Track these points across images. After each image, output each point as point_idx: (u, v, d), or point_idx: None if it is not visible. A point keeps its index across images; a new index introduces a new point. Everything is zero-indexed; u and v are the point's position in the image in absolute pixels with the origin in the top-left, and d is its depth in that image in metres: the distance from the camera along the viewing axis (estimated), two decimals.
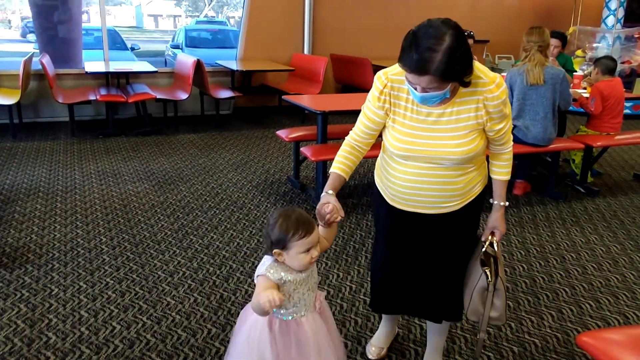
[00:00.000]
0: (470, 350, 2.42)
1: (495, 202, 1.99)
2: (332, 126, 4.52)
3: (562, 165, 5.08)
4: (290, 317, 1.73)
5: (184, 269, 3.10)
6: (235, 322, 2.58)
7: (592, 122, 4.70)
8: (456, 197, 1.88)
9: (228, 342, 2.44)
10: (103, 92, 6.11)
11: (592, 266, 3.24)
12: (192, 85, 6.29)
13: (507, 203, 2.00)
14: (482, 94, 1.73)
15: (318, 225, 1.74)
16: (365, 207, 4.17)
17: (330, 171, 1.89)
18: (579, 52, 8.43)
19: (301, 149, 4.17)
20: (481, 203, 1.98)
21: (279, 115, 7.47)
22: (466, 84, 1.70)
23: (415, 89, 1.67)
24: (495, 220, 2.00)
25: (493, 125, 1.80)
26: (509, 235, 3.62)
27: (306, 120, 7.07)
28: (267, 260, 1.72)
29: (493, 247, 1.98)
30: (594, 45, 8.56)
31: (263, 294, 1.54)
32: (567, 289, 2.96)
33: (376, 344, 2.37)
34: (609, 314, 2.73)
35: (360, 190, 4.59)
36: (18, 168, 4.88)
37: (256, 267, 3.07)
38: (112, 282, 2.94)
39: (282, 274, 1.67)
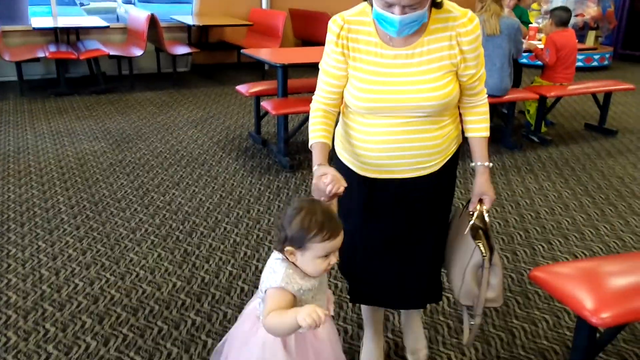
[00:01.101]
0: (455, 339, 2.21)
1: (479, 164, 1.72)
2: (293, 80, 4.51)
3: (518, 117, 5.21)
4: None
5: (146, 226, 3.08)
6: (200, 275, 2.63)
7: (546, 73, 4.81)
8: (435, 155, 1.66)
9: (194, 294, 2.47)
10: (52, 49, 5.86)
11: (545, 211, 3.37)
12: (146, 41, 6.11)
13: (491, 164, 1.74)
14: (454, 29, 1.52)
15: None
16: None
17: (311, 144, 1.62)
18: (534, 6, 8.52)
19: (262, 103, 4.15)
20: (456, 164, 1.78)
21: (238, 72, 7.35)
22: (438, 5, 1.52)
23: (393, 12, 1.43)
24: (482, 185, 1.72)
25: (467, 68, 1.58)
26: (466, 184, 3.72)
27: (266, 76, 6.99)
28: (278, 267, 1.43)
29: (483, 218, 1.72)
30: None
31: (303, 312, 1.25)
32: (521, 233, 3.09)
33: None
34: (559, 254, 2.87)
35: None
36: None
37: (219, 222, 3.14)
38: (72, 240, 2.90)
39: (301, 282, 1.40)
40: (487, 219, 1.71)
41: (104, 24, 6.40)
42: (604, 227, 3.18)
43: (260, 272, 2.60)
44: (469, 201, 1.77)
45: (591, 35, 8.41)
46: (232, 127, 5.04)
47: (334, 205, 1.53)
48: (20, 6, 6.85)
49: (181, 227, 3.08)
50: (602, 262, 2.08)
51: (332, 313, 1.58)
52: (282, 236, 1.40)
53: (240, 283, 2.55)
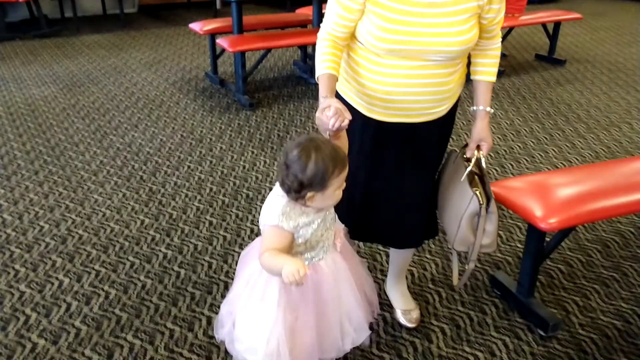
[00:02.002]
0: (443, 276, 2.25)
1: (481, 108, 1.67)
2: (247, 17, 4.45)
3: None
4: (306, 263, 1.44)
5: (107, 168, 3.08)
6: (168, 212, 2.67)
7: None
8: (445, 100, 1.62)
9: (163, 230, 2.53)
10: None
11: (498, 137, 3.53)
12: None
13: (492, 110, 1.71)
14: None
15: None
16: (286, 98, 4.23)
17: (318, 74, 1.54)
18: None
19: (217, 41, 4.11)
20: (457, 108, 1.74)
21: (189, 11, 7.20)
22: None
23: None
24: (482, 130, 1.67)
25: (491, 10, 1.51)
26: (456, 130, 3.82)
27: (218, 14, 6.86)
28: (275, 203, 1.40)
29: (480, 164, 1.69)
30: None
31: (288, 266, 1.25)
32: None
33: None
34: (511, 175, 3.04)
35: (280, 82, 4.62)
36: None
37: (182, 161, 3.16)
38: (32, 185, 2.88)
39: (298, 219, 1.39)
40: (484, 165, 1.69)
41: None
42: (553, 150, 3.37)
43: (227, 205, 2.71)
44: (464, 146, 1.74)
45: None
46: (187, 67, 4.98)
47: (343, 139, 1.46)
48: None
49: (144, 167, 3.10)
50: (549, 175, 2.24)
51: (339, 247, 1.54)
52: (294, 183, 1.32)
53: (208, 217, 2.62)
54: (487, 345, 1.88)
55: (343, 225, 1.60)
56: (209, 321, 1.95)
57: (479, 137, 1.67)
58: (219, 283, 2.17)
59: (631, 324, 2.00)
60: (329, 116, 1.34)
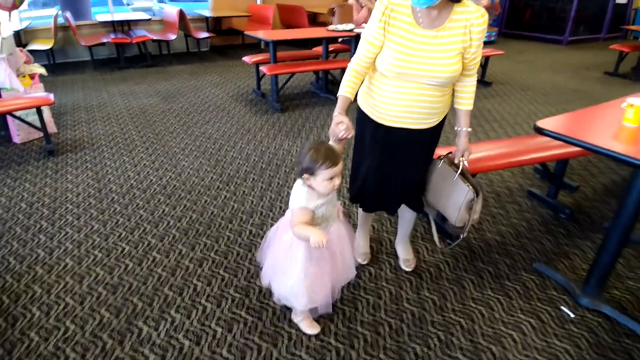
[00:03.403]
0: (427, 234, 2.25)
1: (464, 129, 1.65)
2: (280, 52, 4.66)
3: None
4: (323, 228, 1.48)
5: (190, 147, 3.36)
6: (227, 172, 2.93)
7: None
8: (435, 115, 1.58)
9: (224, 182, 2.83)
10: (112, 36, 5.88)
11: None
12: (178, 29, 6.14)
13: (470, 129, 1.68)
14: (470, 20, 1.44)
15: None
16: (304, 105, 4.39)
17: (339, 94, 1.52)
18: None
19: (260, 68, 4.31)
20: (443, 124, 1.68)
21: (242, 50, 7.34)
22: (458, 0, 1.43)
23: None
24: (466, 144, 1.67)
25: (470, 52, 1.49)
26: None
27: (261, 51, 7.03)
28: (300, 192, 1.42)
29: (465, 167, 1.68)
30: None
31: (315, 235, 1.31)
32: None
33: (361, 251, 2.07)
34: None
35: (300, 95, 4.78)
36: (61, 94, 4.79)
37: (236, 142, 3.45)
38: (145, 156, 3.19)
39: (317, 200, 1.41)
40: (467, 166, 1.68)
41: (148, 17, 6.37)
42: (477, 138, 3.57)
43: (264, 169, 3.01)
44: (446, 155, 1.73)
45: None
46: (241, 86, 5.16)
47: (340, 146, 1.47)
48: (85, 6, 6.72)
49: (213, 146, 3.36)
50: (477, 145, 2.49)
51: (341, 218, 1.55)
52: (299, 168, 1.39)
53: (252, 175, 2.89)
54: (440, 291, 2.00)
55: (339, 204, 1.56)
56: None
57: (463, 148, 1.67)
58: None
59: (505, 238, 2.27)
60: (341, 129, 1.40)
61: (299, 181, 1.44)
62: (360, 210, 1.97)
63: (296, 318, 1.69)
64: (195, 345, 1.61)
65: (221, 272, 1.99)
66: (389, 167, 1.69)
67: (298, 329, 1.66)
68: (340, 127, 1.41)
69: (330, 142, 1.45)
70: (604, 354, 1.58)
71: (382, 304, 1.80)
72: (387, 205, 1.83)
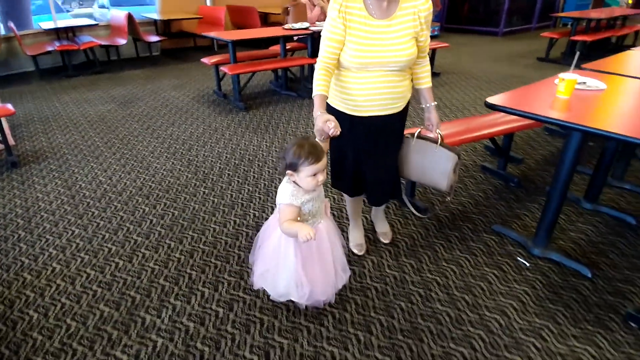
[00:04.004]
0: (399, 210, 2.42)
1: (432, 104, 1.77)
2: (238, 53, 4.69)
3: None
4: (312, 226, 1.51)
5: (159, 149, 3.40)
6: (200, 170, 3.01)
7: None
8: (400, 99, 1.67)
9: (199, 179, 2.90)
10: (58, 44, 5.66)
11: None
12: (127, 33, 6.01)
13: (436, 103, 1.80)
14: (417, 6, 1.56)
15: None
16: (266, 103, 4.51)
17: (314, 94, 1.54)
18: None
19: (220, 68, 4.36)
20: (408, 108, 1.77)
21: (195, 53, 7.30)
22: None
23: None
24: (436, 117, 1.78)
25: (422, 35, 1.61)
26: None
27: (214, 53, 7.04)
28: (286, 189, 1.44)
29: (442, 137, 1.79)
30: None
31: (302, 230, 1.32)
32: None
33: (356, 242, 2.12)
34: None
35: (262, 94, 4.89)
36: (13, 106, 4.59)
37: (206, 142, 3.53)
38: (114, 161, 3.19)
39: (303, 197, 1.43)
40: (443, 136, 1.80)
41: (94, 22, 6.17)
42: None
43: (237, 165, 3.11)
44: (418, 131, 1.83)
45: None
46: (200, 88, 5.17)
47: (326, 144, 1.48)
48: (25, 15, 6.38)
49: (182, 147, 3.42)
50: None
51: (329, 213, 1.59)
52: (283, 164, 1.41)
53: (227, 171, 2.99)
54: (416, 256, 2.20)
55: (327, 200, 1.61)
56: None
57: (436, 121, 1.78)
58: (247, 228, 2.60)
59: (466, 207, 2.55)
60: (330, 127, 1.39)
61: (285, 178, 1.46)
62: (348, 200, 2.05)
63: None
64: (200, 326, 1.72)
65: (213, 260, 2.10)
66: (368, 157, 1.75)
67: (293, 302, 1.80)
68: (329, 124, 1.40)
69: (317, 140, 1.44)
70: (555, 292, 1.87)
71: (367, 272, 1.99)
72: (370, 192, 1.89)
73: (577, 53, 2.41)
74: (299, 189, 1.42)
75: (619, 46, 7.10)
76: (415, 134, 1.84)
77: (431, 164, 1.81)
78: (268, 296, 1.78)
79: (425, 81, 1.77)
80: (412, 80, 1.75)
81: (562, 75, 1.95)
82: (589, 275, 1.94)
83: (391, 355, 1.57)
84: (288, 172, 1.41)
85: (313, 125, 1.49)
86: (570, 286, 1.90)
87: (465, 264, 2.05)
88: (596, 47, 6.66)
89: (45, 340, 1.66)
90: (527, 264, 2.04)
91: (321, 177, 1.41)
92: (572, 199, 2.57)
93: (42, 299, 1.86)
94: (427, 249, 2.16)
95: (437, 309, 1.78)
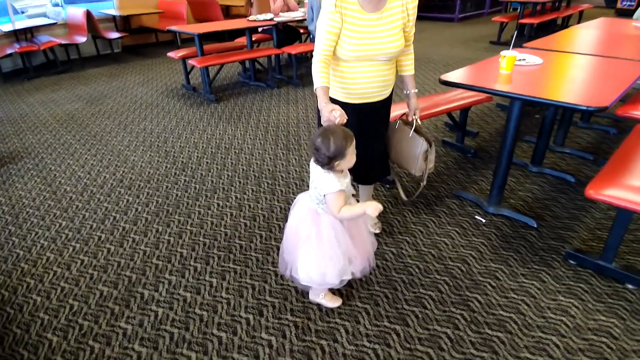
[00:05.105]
0: (379, 184, 2.62)
1: (413, 91, 1.88)
2: (205, 46, 4.75)
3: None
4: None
5: (134, 142, 3.46)
6: (177, 160, 3.09)
7: None
8: (389, 86, 1.80)
9: (176, 167, 3.01)
10: (17, 46, 5.50)
11: None
12: (87, 31, 5.91)
13: (417, 90, 1.88)
14: None
15: None
16: (236, 94, 4.62)
17: (317, 87, 1.61)
18: None
19: (188, 61, 4.41)
20: (392, 94, 1.88)
21: (157, 48, 7.26)
22: None
23: None
24: (415, 103, 1.89)
25: (408, 25, 1.72)
26: None
27: (179, 48, 6.98)
28: (329, 178, 1.44)
29: (418, 123, 1.90)
30: None
31: (369, 207, 1.39)
32: None
33: (372, 222, 2.22)
34: None
35: (231, 85, 4.96)
36: None
37: (181, 132, 3.63)
38: (89, 157, 3.24)
39: (344, 181, 1.47)
40: (420, 123, 1.90)
41: (52, 21, 6.01)
42: None
43: (214, 153, 3.22)
44: (401, 115, 1.95)
45: None
46: (168, 83, 5.19)
47: None
48: None
49: (157, 140, 3.50)
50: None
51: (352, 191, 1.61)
52: (325, 160, 1.40)
53: (205, 160, 3.11)
54: (388, 222, 2.34)
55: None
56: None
57: (415, 107, 1.90)
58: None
59: (430, 177, 2.80)
60: (336, 116, 1.47)
61: (317, 169, 1.45)
62: (359, 187, 2.15)
63: (316, 298, 1.76)
64: (197, 295, 1.88)
65: (201, 239, 2.25)
66: (363, 141, 1.78)
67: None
68: (335, 113, 1.46)
69: None
70: (507, 241, 2.16)
71: None
72: (365, 175, 1.96)
73: (515, 33, 2.72)
74: (338, 174, 1.44)
75: (565, 26, 7.63)
76: (399, 119, 1.97)
77: (406, 148, 1.93)
78: (278, 283, 1.92)
79: (408, 68, 1.87)
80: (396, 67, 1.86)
81: (503, 52, 2.22)
82: (535, 225, 2.24)
83: (370, 303, 1.79)
84: (336, 163, 1.41)
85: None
86: (519, 235, 2.20)
87: (431, 224, 2.31)
88: (544, 28, 7.14)
89: (52, 319, 1.78)
90: (484, 221, 2.32)
91: (354, 151, 1.45)
92: (520, 164, 2.88)
93: (42, 285, 1.97)
94: (397, 215, 2.40)
95: (407, 263, 2.03)
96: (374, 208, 1.38)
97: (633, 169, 1.81)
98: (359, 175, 1.92)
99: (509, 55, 2.21)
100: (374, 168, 1.98)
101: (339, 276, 1.58)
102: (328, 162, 1.41)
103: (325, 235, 1.52)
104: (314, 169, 1.48)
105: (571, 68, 2.33)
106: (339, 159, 1.40)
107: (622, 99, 2.95)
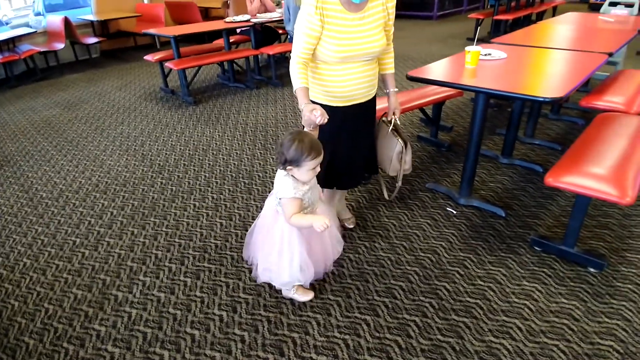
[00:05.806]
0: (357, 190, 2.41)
1: (393, 90, 1.86)
2: (182, 48, 4.76)
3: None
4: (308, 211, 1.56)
5: (111, 147, 3.45)
6: (155, 163, 3.10)
7: None
8: (373, 86, 1.78)
9: (155, 171, 3.01)
10: (0, 56, 5.39)
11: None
12: (65, 37, 5.84)
13: (397, 89, 1.89)
14: None
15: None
16: (215, 96, 4.62)
17: (297, 88, 1.59)
18: None
19: (165, 64, 4.40)
20: (376, 93, 1.87)
21: (136, 52, 7.21)
22: None
23: None
24: (395, 102, 1.87)
25: (388, 25, 1.71)
26: None
27: (158, 51, 6.94)
28: (286, 183, 1.45)
29: (396, 123, 1.90)
30: None
31: (317, 221, 1.38)
32: None
33: (346, 217, 2.27)
34: None
35: (210, 87, 4.97)
36: None
37: (159, 135, 3.63)
38: (65, 163, 3.22)
39: (302, 188, 1.46)
40: (398, 123, 1.89)
41: (32, 30, 5.93)
42: None
43: (191, 156, 3.23)
44: (382, 115, 1.93)
45: None
46: (146, 86, 5.17)
47: (316, 132, 1.54)
48: None
49: (134, 144, 3.49)
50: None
51: (323, 199, 1.65)
52: (282, 159, 1.42)
53: (183, 162, 3.12)
54: (362, 217, 2.54)
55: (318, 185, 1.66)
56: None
57: (394, 107, 1.87)
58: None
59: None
60: (317, 116, 1.46)
61: (280, 172, 1.47)
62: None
63: (288, 293, 1.78)
64: (171, 294, 1.89)
65: (176, 240, 2.27)
66: (352, 143, 1.81)
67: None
68: (315, 113, 1.45)
69: (307, 130, 1.50)
70: (477, 231, 2.22)
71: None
72: (354, 178, 1.97)
73: (478, 28, 2.79)
74: (298, 181, 1.44)
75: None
76: (381, 118, 1.96)
77: (384, 147, 1.95)
78: (252, 280, 1.96)
79: (389, 67, 1.86)
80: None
81: (468, 48, 2.28)
82: (503, 214, 2.30)
83: (342, 295, 1.83)
84: (288, 167, 1.42)
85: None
86: (488, 225, 2.25)
87: (404, 217, 2.36)
88: (519, 24, 7.27)
89: (29, 322, 1.78)
90: (455, 212, 2.37)
91: (318, 168, 1.44)
92: (491, 156, 2.95)
93: (19, 290, 1.97)
94: (370, 210, 2.44)
95: (380, 255, 2.07)
96: (320, 223, 1.38)
97: (590, 157, 1.88)
98: (341, 181, 1.93)
99: (473, 51, 2.26)
100: (360, 169, 1.96)
101: (293, 275, 1.63)
102: (282, 162, 1.42)
103: (278, 235, 1.57)
104: (278, 169, 1.51)
105: (534, 61, 2.40)
106: (293, 165, 1.41)
107: (587, 90, 3.03)
